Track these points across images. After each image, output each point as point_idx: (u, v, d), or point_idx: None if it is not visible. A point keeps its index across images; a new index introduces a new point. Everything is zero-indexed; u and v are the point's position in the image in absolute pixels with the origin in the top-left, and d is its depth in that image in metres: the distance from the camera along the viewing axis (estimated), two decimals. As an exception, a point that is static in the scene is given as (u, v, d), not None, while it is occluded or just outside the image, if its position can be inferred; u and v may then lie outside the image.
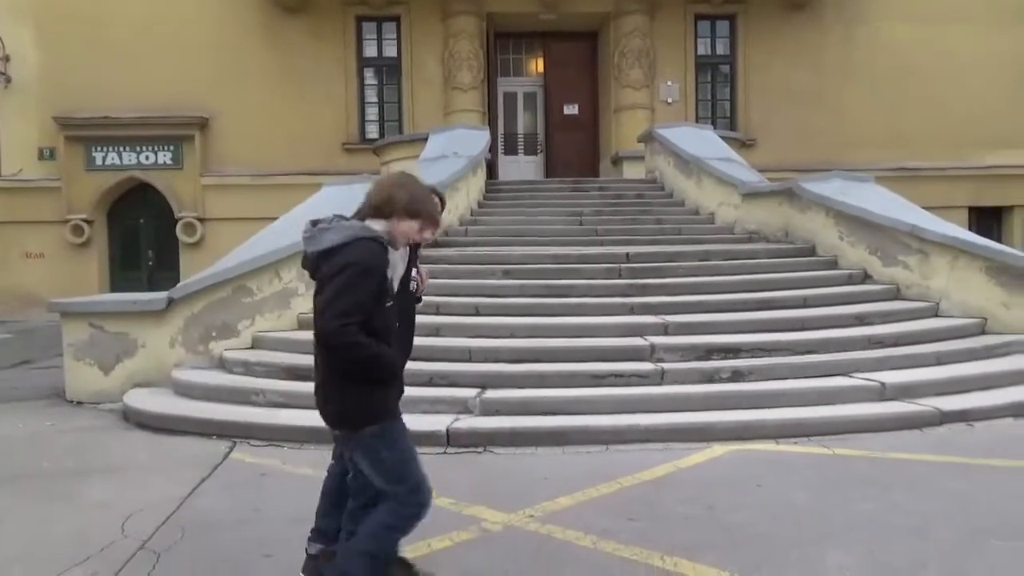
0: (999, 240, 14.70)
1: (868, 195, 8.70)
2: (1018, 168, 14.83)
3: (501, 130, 15.54)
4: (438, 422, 5.18)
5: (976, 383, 6.02)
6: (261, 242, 7.61)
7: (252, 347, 6.78)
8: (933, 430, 5.31)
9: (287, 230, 7.38)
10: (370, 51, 14.78)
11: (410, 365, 5.93)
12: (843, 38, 14.66)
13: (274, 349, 6.65)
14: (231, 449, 5.16)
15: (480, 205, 10.76)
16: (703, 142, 11.23)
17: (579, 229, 9.79)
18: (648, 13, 14.34)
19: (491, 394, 5.56)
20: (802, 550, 3.44)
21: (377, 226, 2.56)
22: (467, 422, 5.24)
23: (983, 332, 7.11)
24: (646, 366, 5.89)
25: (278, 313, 7.00)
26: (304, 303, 7.08)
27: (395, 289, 2.74)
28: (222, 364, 6.59)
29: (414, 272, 3.14)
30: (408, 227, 2.60)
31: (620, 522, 3.76)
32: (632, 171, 13.13)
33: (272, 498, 4.26)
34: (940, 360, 6.43)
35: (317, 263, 2.52)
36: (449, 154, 10.25)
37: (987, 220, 15.21)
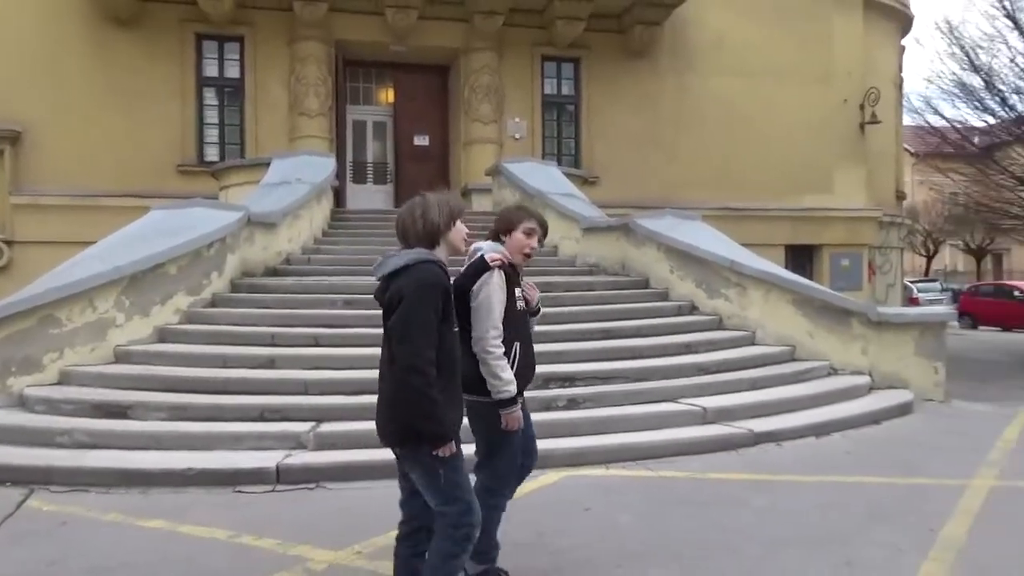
0: (811, 275, 16.21)
1: (696, 232, 9.33)
2: (827, 211, 16.42)
3: (350, 158, 15.31)
4: (267, 458, 4.95)
5: (785, 406, 6.56)
6: (76, 268, 6.99)
7: (59, 383, 6.15)
8: (747, 450, 5.71)
9: (105, 255, 6.86)
10: (211, 70, 14.12)
11: (238, 400, 5.73)
12: (677, 87, 15.73)
13: (85, 385, 6.06)
14: (26, 497, 4.64)
15: (325, 234, 10.51)
16: (547, 178, 11.62)
17: (425, 259, 9.77)
18: (497, 51, 14.72)
19: (327, 427, 5.39)
20: (624, 570, 3.56)
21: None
22: (300, 457, 5.03)
23: (792, 359, 7.77)
24: (487, 396, 5.92)
25: (91, 346, 6.42)
26: (122, 334, 6.57)
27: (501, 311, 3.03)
28: (22, 402, 5.94)
29: (518, 291, 3.21)
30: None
31: (451, 554, 3.72)
32: (481, 203, 13.32)
33: (72, 549, 3.87)
34: (755, 385, 6.95)
35: (385, 286, 2.72)
36: (292, 180, 9.96)
37: (801, 257, 16.71)
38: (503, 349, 3.05)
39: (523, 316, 3.25)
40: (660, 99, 15.58)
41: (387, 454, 5.07)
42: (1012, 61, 12.81)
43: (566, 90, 15.67)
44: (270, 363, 6.23)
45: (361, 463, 5.00)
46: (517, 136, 15.03)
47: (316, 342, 6.73)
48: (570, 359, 6.70)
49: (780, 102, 15.96)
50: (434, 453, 2.63)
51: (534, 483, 4.89)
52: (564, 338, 7.17)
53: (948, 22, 26.67)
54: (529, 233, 3.24)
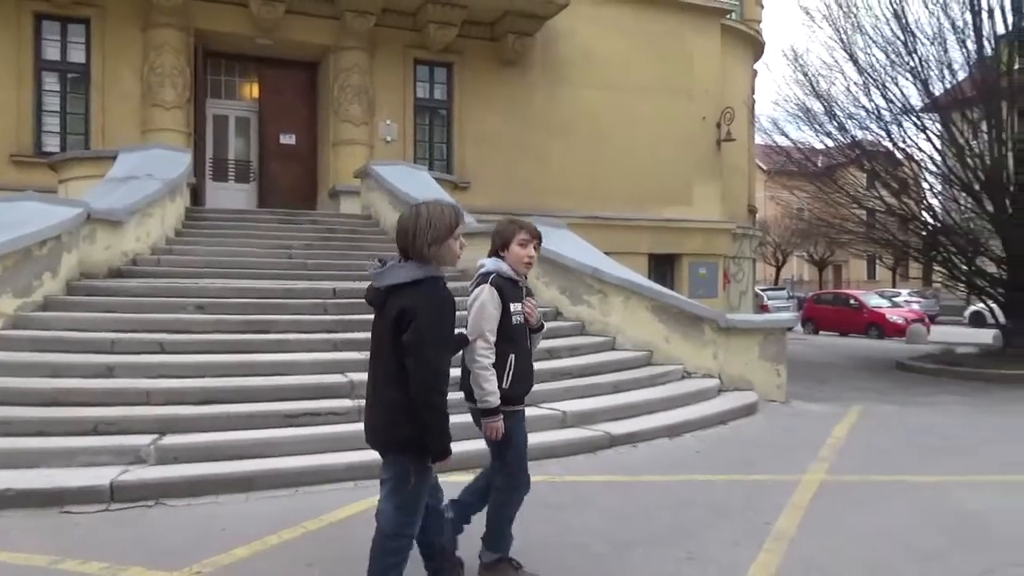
0: (672, 283, 16.98)
1: (563, 240, 9.52)
2: (686, 222, 17.28)
3: (210, 154, 14.56)
4: (101, 476, 4.57)
5: (641, 408, 6.81)
6: None
7: None
8: (604, 452, 5.88)
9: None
10: (52, 54, 13.01)
11: (70, 412, 5.28)
12: (548, 97, 16.06)
13: None
14: None
15: (178, 234, 9.92)
16: (418, 182, 11.52)
17: (288, 263, 9.44)
18: (368, 51, 14.47)
19: (170, 440, 5.05)
20: (473, 573, 3.54)
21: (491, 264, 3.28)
22: (138, 473, 4.68)
23: (650, 363, 8.10)
24: (344, 403, 5.78)
25: None
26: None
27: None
28: None
29: (515, 307, 3.33)
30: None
31: (298, 569, 3.60)
32: (350, 206, 13.05)
33: None
34: (616, 389, 7.18)
35: (386, 297, 2.75)
36: (142, 175, 9.33)
37: (663, 266, 17.49)
38: (491, 360, 3.21)
39: (521, 330, 3.38)
40: (531, 108, 15.86)
41: (234, 467, 4.89)
42: (848, 89, 13.99)
43: (439, 94, 15.63)
44: (108, 372, 5.78)
45: (208, 477, 4.73)
46: (388, 139, 14.83)
47: (162, 348, 6.31)
48: (434, 365, 6.63)
49: (644, 117, 16.66)
50: (430, 466, 2.81)
51: (392, 492, 4.81)
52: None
53: (794, 50, 28.88)
54: (524, 244, 3.40)
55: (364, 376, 6.22)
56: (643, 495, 4.92)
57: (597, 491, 4.95)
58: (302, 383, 6.01)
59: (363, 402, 5.89)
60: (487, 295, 3.25)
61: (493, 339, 3.23)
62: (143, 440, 4.96)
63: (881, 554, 3.96)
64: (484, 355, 3.21)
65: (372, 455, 5.23)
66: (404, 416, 2.72)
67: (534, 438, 5.76)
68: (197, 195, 13.21)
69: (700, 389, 7.70)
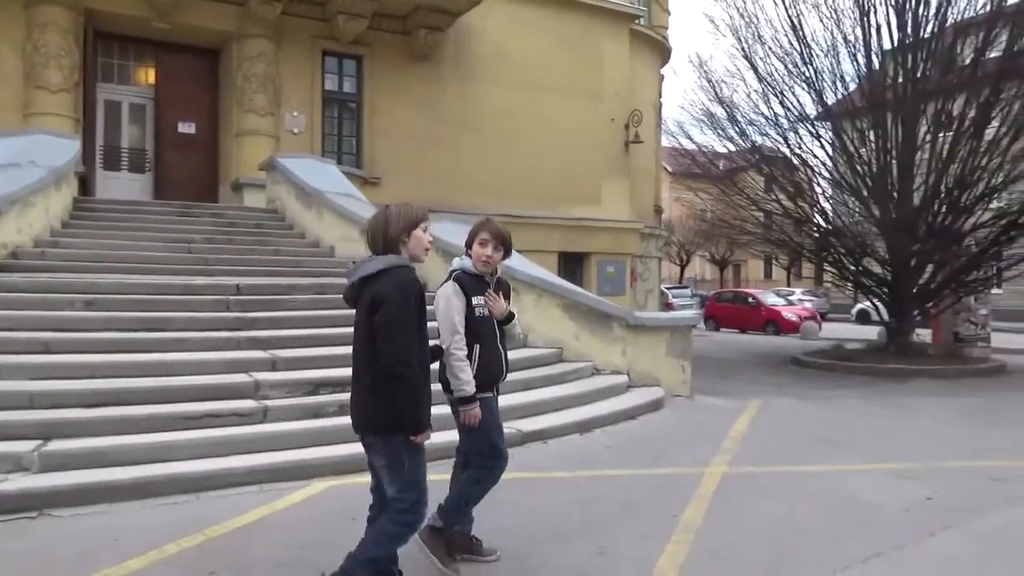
0: (581, 281, 17.22)
1: (473, 236, 9.49)
2: (596, 221, 17.56)
3: (101, 142, 13.72)
4: (-25, 485, 4.21)
5: (552, 405, 6.87)
6: None
7: None
8: (516, 450, 5.84)
9: None
10: (-82, 28, 11.97)
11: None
12: (460, 93, 15.98)
13: None
14: None
15: (65, 225, 9.31)
16: (326, 176, 11.25)
17: (187, 257, 9.02)
18: (274, 40, 13.97)
19: (56, 445, 4.71)
20: (387, 581, 3.46)
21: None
22: (19, 482, 4.34)
23: (560, 360, 8.18)
24: (248, 404, 5.56)
25: None
26: None
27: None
28: None
29: (476, 300, 3.53)
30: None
31: (198, 579, 3.41)
32: (254, 199, 12.59)
33: None
34: (527, 386, 7.21)
35: (360, 290, 2.96)
36: (23, 163, 8.70)
37: (573, 264, 17.72)
38: (464, 352, 3.45)
39: (485, 322, 3.56)
40: (444, 104, 15.73)
41: (128, 473, 4.62)
42: (748, 96, 14.59)
43: (348, 87, 15.28)
44: (-15, 373, 5.35)
45: (99, 485, 4.44)
46: (295, 131, 14.39)
47: (47, 348, 5.89)
48: (342, 364, 6.40)
49: (555, 116, 16.82)
50: (411, 439, 2.92)
51: (298, 494, 4.68)
52: (336, 342, 6.90)
53: (699, 57, 29.80)
54: (483, 243, 3.57)
55: (270, 376, 6.08)
56: (554, 492, 4.95)
57: (509, 489, 4.89)
58: (203, 383, 5.74)
59: (268, 403, 5.75)
60: (450, 290, 3.51)
61: (463, 329, 3.46)
62: (26, 447, 4.61)
63: (781, 541, 4.12)
64: (458, 346, 3.43)
65: (279, 457, 5.11)
66: (381, 398, 2.89)
67: (443, 436, 5.73)
68: (86, 185, 12.45)
69: (609, 385, 7.84)
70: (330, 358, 6.52)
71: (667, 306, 25.92)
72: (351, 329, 7.23)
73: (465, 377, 3.42)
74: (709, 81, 14.48)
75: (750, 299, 25.05)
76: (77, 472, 4.53)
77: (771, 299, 25.12)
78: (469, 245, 3.63)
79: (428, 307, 3.09)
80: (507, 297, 3.74)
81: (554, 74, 16.82)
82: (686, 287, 36.61)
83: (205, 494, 4.57)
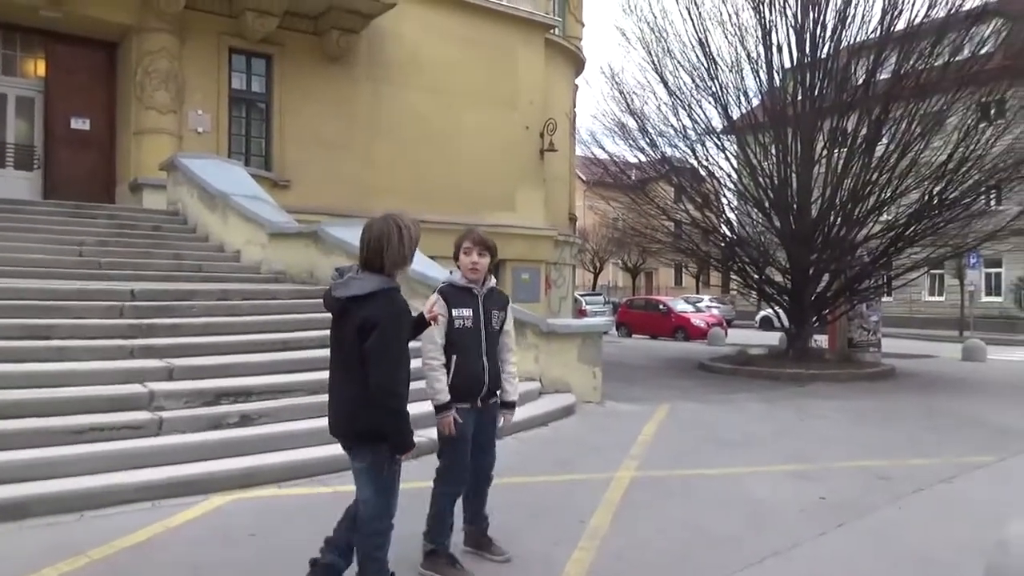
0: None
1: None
2: (510, 227, 17.58)
3: (-16, 137, 12.85)
4: None
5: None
6: None
7: None
8: (427, 458, 5.77)
9: None
10: None
11: None
12: (373, 95, 15.74)
13: None
14: None
15: (-60, 225, 8.63)
16: (232, 178, 10.85)
17: (78, 261, 8.51)
18: (177, 35, 13.40)
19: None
20: (287, 599, 3.34)
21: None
22: None
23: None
24: (142, 416, 5.27)
25: None
26: None
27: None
28: None
29: (456, 312, 3.63)
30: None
31: (79, 605, 3.19)
32: (155, 200, 12.00)
33: None
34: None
35: (345, 306, 2.96)
36: None
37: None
38: (440, 361, 3.58)
39: (465, 333, 3.64)
40: (356, 106, 15.48)
41: (10, 491, 4.29)
42: (659, 108, 14.97)
43: (256, 87, 14.82)
44: None
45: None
46: (200, 130, 13.83)
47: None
48: (244, 372, 6.25)
49: (470, 123, 16.81)
50: (398, 458, 3.02)
51: (195, 510, 4.46)
52: (239, 350, 6.69)
53: (611, 68, 30.47)
54: (467, 252, 3.69)
55: (166, 386, 5.79)
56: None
57: (419, 497, 4.85)
58: (92, 395, 5.40)
59: (164, 414, 5.48)
60: (433, 301, 3.57)
61: (441, 341, 3.59)
62: None
63: (685, 542, 4.21)
64: (433, 356, 3.59)
65: (174, 471, 4.86)
66: (364, 410, 2.94)
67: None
68: (-34, 182, 11.61)
69: (523, 392, 7.75)
70: (231, 367, 6.28)
71: (580, 313, 26.30)
72: (255, 336, 7.23)
73: (439, 386, 3.57)
74: (621, 92, 14.79)
75: (661, 306, 25.72)
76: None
77: (681, 306, 25.88)
78: (456, 257, 3.74)
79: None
80: (504, 308, 3.86)
81: (469, 81, 16.83)
82: (599, 294, 37.30)
83: (92, 512, 4.29)
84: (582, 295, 32.02)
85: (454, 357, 3.63)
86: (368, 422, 2.97)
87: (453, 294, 3.68)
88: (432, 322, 3.44)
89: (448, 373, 3.60)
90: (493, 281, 3.87)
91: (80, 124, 13.66)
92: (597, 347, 8.86)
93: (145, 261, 8.88)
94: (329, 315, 3.13)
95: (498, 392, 3.85)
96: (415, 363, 3.31)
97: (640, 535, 4.30)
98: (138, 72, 13.13)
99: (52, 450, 4.73)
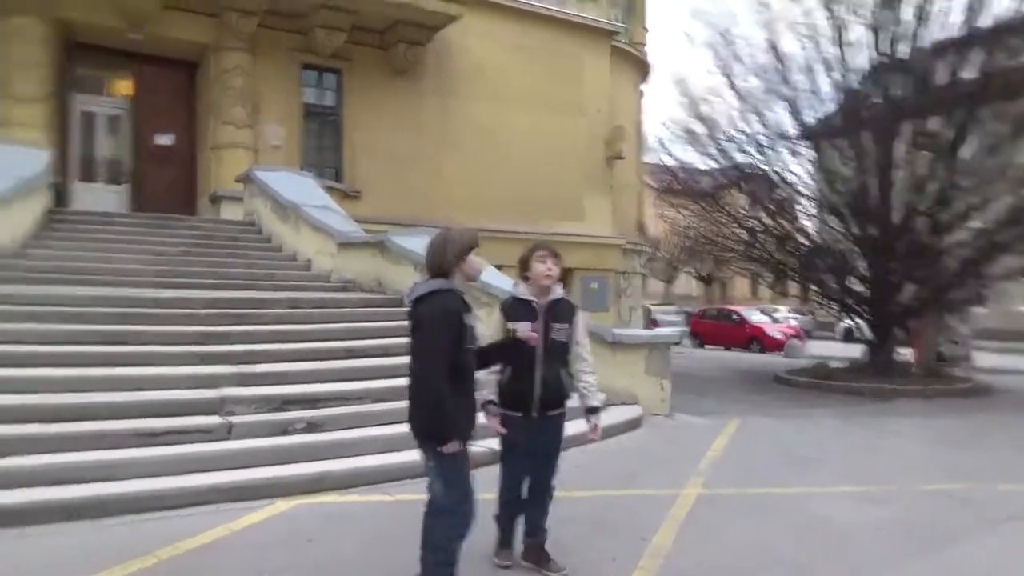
0: (562, 297, 17.13)
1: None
2: (577, 236, 17.50)
3: (78, 153, 13.56)
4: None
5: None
6: None
7: None
8: (490, 470, 5.73)
9: None
10: None
11: None
12: (440, 107, 15.94)
13: None
14: None
15: (36, 237, 9.11)
16: (303, 189, 11.13)
17: (160, 270, 8.85)
18: (252, 53, 13.86)
19: (11, 462, 4.56)
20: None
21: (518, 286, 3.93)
22: (-36, 501, 4.18)
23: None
24: (213, 420, 5.41)
25: None
26: None
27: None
28: None
29: (514, 325, 3.75)
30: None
31: (142, 606, 3.26)
32: (232, 212, 12.43)
33: None
34: (501, 403, 7.06)
35: (411, 311, 3.23)
36: (-14, 174, 8.51)
37: (554, 280, 17.64)
38: (487, 370, 3.70)
39: (519, 347, 3.69)
40: (424, 118, 15.69)
41: (78, 491, 4.47)
42: (727, 114, 14.63)
43: (328, 100, 15.20)
44: (-63, 388, 5.17)
45: (48, 504, 4.31)
46: (275, 143, 14.27)
47: (4, 362, 5.70)
48: (311, 379, 6.35)
49: (535, 132, 16.81)
50: (439, 449, 3.13)
51: (259, 514, 4.53)
52: (307, 357, 6.79)
53: (679, 74, 30.00)
54: (541, 259, 3.79)
55: (236, 392, 5.93)
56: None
57: (480, 510, 4.81)
58: (166, 399, 5.58)
59: (233, 419, 5.62)
60: (496, 313, 3.88)
61: (495, 350, 3.69)
62: (-27, 464, 4.44)
63: (751, 565, 4.02)
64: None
65: (241, 475, 4.96)
66: (420, 406, 3.17)
67: (413, 455, 5.60)
68: (61, 196, 12.26)
69: (586, 403, 7.70)
70: (299, 374, 6.39)
71: (652, 324, 25.88)
72: (323, 344, 7.45)
73: (481, 384, 3.66)
74: (688, 98, 14.51)
75: (734, 316, 25.06)
76: (31, 490, 4.37)
77: (756, 316, 25.15)
78: (525, 268, 3.83)
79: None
80: (570, 320, 3.84)
81: (535, 90, 16.84)
82: (672, 304, 36.65)
83: (163, 514, 4.42)
84: (654, 305, 31.53)
85: (509, 367, 3.71)
86: (416, 417, 3.21)
87: (512, 307, 3.82)
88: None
89: (501, 381, 3.75)
90: (560, 291, 3.88)
91: (164, 140, 14.29)
92: (665, 358, 8.65)
93: (221, 270, 9.17)
94: (392, 325, 3.37)
95: (563, 403, 3.87)
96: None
97: (704, 555, 4.14)
98: (216, 89, 13.65)
99: (129, 452, 4.90)
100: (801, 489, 5.66)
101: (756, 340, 23.15)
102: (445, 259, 3.25)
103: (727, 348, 23.52)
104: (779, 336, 22.73)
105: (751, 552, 4.23)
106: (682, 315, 31.58)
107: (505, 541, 3.96)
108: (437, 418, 3.11)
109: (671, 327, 23.62)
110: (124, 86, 14.10)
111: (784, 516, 4.95)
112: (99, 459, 4.76)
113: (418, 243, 9.26)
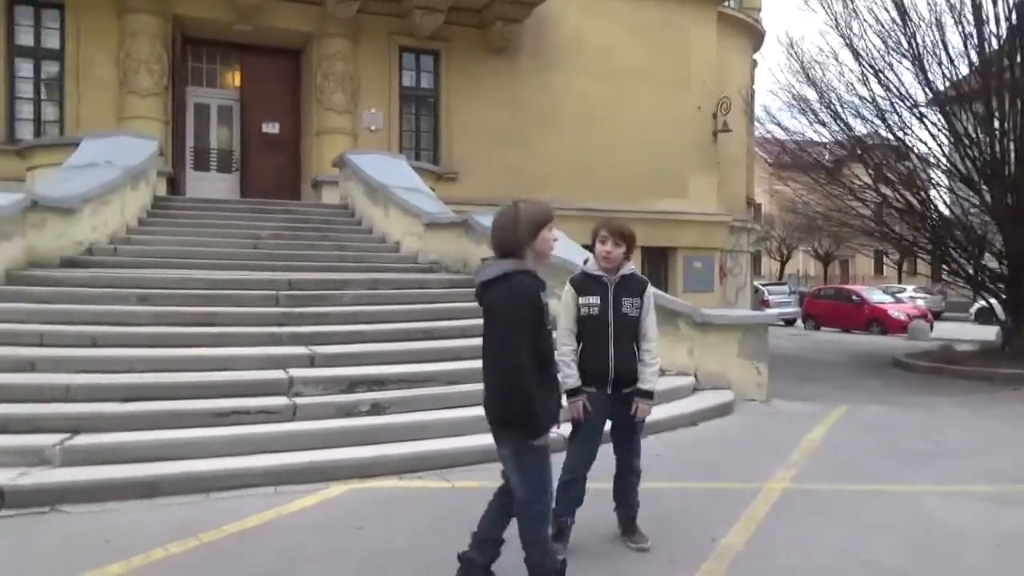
0: (665, 277, 16.59)
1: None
2: (682, 214, 16.85)
3: (191, 144, 14.26)
4: (-6, 478, 4.23)
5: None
6: None
7: None
8: (556, 456, 5.47)
9: None
10: (25, 39, 12.73)
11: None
12: (538, 85, 15.62)
13: None
14: None
15: (142, 223, 9.58)
16: (395, 171, 11.17)
17: (252, 253, 9.09)
18: (351, 38, 14.09)
19: (82, 440, 4.71)
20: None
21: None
22: (37, 476, 4.34)
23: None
24: (280, 401, 5.43)
25: None
26: None
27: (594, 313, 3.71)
28: None
29: (583, 299, 3.74)
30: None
31: (172, 589, 3.24)
32: (330, 196, 12.68)
33: None
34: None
35: (482, 292, 3.00)
36: (101, 163, 9.02)
37: (656, 259, 17.05)
38: (569, 347, 3.70)
39: (591, 321, 3.70)
40: (521, 97, 15.44)
41: (141, 470, 4.54)
42: (841, 75, 13.48)
43: (425, 83, 15.25)
44: (30, 366, 5.46)
45: (114, 481, 4.38)
46: (373, 127, 14.48)
47: (94, 342, 5.98)
48: (382, 360, 6.30)
49: (638, 106, 16.21)
50: (530, 442, 2.93)
51: (312, 498, 4.47)
52: (381, 338, 6.77)
53: (789, 36, 28.14)
54: (602, 240, 3.73)
55: (306, 372, 5.94)
56: (587, 504, 4.52)
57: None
58: (238, 379, 5.67)
59: (299, 400, 5.61)
60: (566, 289, 3.80)
61: (569, 326, 3.72)
62: (50, 440, 4.62)
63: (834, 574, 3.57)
64: (563, 342, 3.67)
65: (300, 457, 4.93)
66: (502, 396, 2.94)
67: (476, 440, 5.42)
68: (176, 185, 12.93)
69: (673, 387, 7.29)
70: (371, 355, 6.36)
71: (762, 304, 24.63)
72: (398, 325, 7.48)
73: (567, 371, 3.64)
74: (800, 62, 13.46)
75: (853, 296, 23.45)
76: (96, 468, 4.50)
77: (877, 296, 23.42)
78: (593, 244, 3.78)
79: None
80: (640, 294, 3.79)
81: (637, 62, 16.22)
82: (784, 283, 34.82)
83: (216, 494, 4.43)
84: (765, 284, 30.04)
85: (581, 345, 3.71)
86: (506, 408, 2.96)
87: (582, 282, 3.78)
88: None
89: (577, 360, 3.69)
90: (631, 268, 3.83)
91: (270, 128, 14.79)
92: (762, 340, 8.06)
93: (310, 252, 9.33)
94: (471, 306, 3.14)
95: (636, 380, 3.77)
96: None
97: (780, 561, 3.71)
98: (318, 76, 13.96)
99: (193, 431, 4.98)
100: (912, 487, 5.05)
101: (877, 322, 21.55)
102: (516, 237, 2.98)
103: (845, 330, 22.03)
104: (902, 317, 21.05)
105: (838, 557, 3.76)
106: (795, 295, 29.93)
107: (560, 535, 3.69)
108: (527, 412, 2.90)
109: (783, 308, 22.40)
110: (233, 77, 14.67)
111: (885, 517, 4.39)
112: (165, 438, 4.85)
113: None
